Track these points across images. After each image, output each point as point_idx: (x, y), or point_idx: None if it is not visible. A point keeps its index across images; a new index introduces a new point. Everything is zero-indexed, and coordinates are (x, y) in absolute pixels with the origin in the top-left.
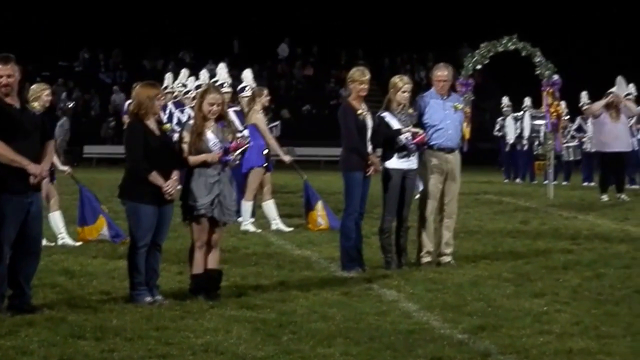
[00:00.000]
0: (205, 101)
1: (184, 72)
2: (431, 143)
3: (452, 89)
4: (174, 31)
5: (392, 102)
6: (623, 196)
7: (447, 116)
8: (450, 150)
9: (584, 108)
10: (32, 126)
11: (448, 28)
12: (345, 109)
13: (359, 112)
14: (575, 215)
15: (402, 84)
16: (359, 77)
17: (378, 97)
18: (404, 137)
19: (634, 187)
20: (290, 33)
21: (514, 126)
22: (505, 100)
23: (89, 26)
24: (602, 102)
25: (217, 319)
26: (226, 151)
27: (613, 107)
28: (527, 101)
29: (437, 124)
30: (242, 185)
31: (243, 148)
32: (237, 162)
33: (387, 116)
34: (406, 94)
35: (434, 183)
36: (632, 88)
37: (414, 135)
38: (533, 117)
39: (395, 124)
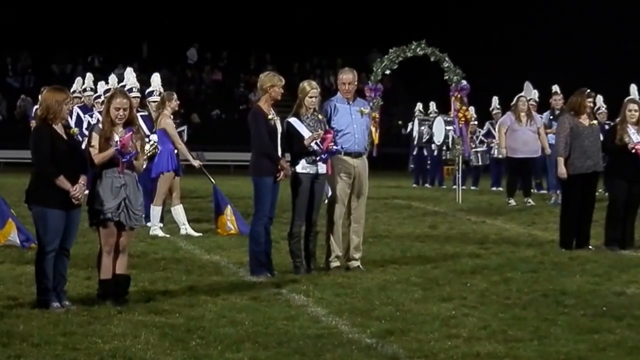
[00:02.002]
0: (112, 106)
1: (89, 76)
2: (338, 148)
3: (360, 94)
4: (83, 35)
5: (301, 107)
6: (530, 201)
7: (354, 121)
8: (357, 155)
9: (494, 113)
10: None
11: (357, 33)
12: (255, 114)
13: (269, 116)
14: (483, 219)
15: (310, 89)
16: (279, 82)
17: (287, 102)
18: (314, 144)
19: (541, 192)
20: (200, 38)
21: (419, 130)
22: (418, 106)
23: None
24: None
25: (125, 324)
26: (120, 152)
27: (525, 113)
28: (433, 106)
29: (344, 129)
30: (151, 190)
31: (150, 152)
32: (144, 166)
33: (295, 122)
34: (314, 99)
35: (342, 187)
36: (535, 94)
37: (322, 141)
38: (446, 122)
39: (303, 129)
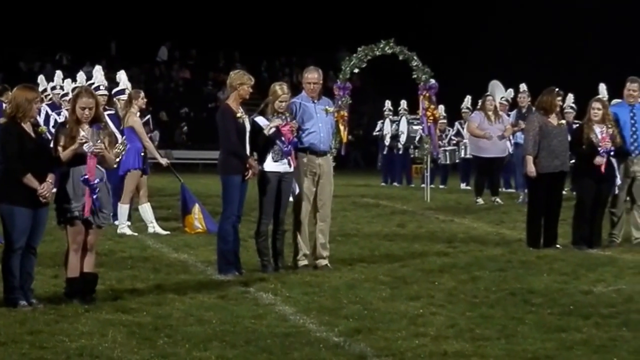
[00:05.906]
0: (77, 105)
1: (58, 73)
2: (303, 146)
3: (329, 92)
4: (51, 33)
5: (269, 108)
6: (498, 199)
7: (319, 119)
8: (322, 154)
9: (463, 112)
10: None
11: (326, 32)
12: (224, 112)
13: (238, 115)
14: (451, 218)
15: (281, 93)
16: (248, 81)
17: (256, 101)
18: (271, 131)
19: (509, 190)
20: (169, 36)
21: (391, 129)
22: (387, 104)
23: None
24: (480, 134)
25: (92, 322)
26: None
27: (493, 112)
28: (404, 104)
29: (309, 127)
30: (119, 188)
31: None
32: (115, 163)
33: (261, 120)
34: (284, 104)
35: (307, 186)
36: (510, 93)
37: (282, 134)
38: (409, 123)
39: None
